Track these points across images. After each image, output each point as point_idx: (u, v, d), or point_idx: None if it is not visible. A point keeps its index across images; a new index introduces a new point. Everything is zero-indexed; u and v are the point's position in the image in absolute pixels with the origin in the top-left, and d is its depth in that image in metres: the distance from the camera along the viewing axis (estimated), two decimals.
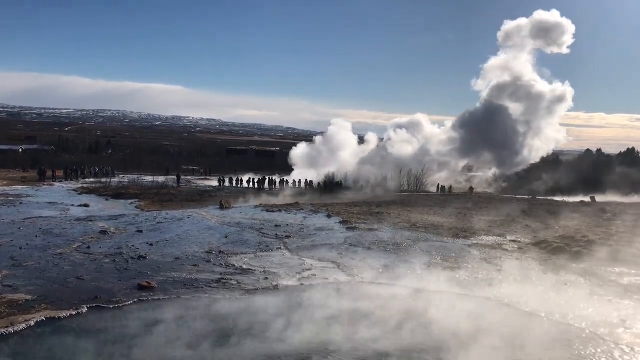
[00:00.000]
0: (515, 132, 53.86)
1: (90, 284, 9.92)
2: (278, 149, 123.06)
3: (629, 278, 11.28)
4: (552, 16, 54.79)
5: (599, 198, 37.50)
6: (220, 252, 13.30)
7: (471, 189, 48.81)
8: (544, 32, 54.60)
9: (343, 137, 56.81)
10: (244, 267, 11.74)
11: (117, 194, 29.79)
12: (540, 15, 55.40)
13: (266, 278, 10.75)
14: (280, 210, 22.43)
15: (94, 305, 8.61)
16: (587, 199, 35.43)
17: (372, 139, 57.32)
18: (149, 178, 42.11)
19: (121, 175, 46.39)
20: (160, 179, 42.34)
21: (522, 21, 56.12)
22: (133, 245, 13.74)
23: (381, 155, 52.73)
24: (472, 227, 18.66)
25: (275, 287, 10.12)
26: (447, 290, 10.04)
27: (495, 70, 55.23)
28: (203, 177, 54.20)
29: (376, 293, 9.71)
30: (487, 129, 53.03)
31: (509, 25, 55.34)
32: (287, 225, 18.02)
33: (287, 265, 12.06)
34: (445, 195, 42.85)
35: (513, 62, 54.28)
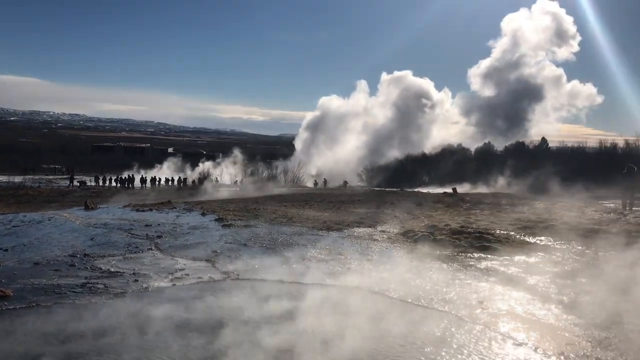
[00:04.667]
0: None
1: None
2: (149, 145, 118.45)
3: (485, 262, 12.22)
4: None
5: (460, 189, 40.46)
6: (85, 255, 12.48)
7: (345, 182, 50.41)
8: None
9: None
10: (112, 269, 11.11)
11: None
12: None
13: (136, 280, 10.25)
14: (151, 210, 21.57)
15: None
16: (449, 189, 38.04)
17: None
18: (2, 178, 38.59)
19: None
20: (17, 179, 38.99)
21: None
22: None
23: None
24: (346, 220, 19.20)
25: (146, 289, 9.69)
26: (321, 282, 10.24)
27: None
28: (66, 177, 50.86)
29: (250, 289, 9.64)
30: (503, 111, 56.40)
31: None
32: (159, 224, 17.36)
33: (159, 266, 11.61)
34: (321, 189, 43.86)
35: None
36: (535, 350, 6.91)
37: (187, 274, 10.83)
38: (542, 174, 43.14)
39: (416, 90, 64.05)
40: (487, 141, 71.30)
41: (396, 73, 65.38)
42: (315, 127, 61.82)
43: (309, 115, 65.85)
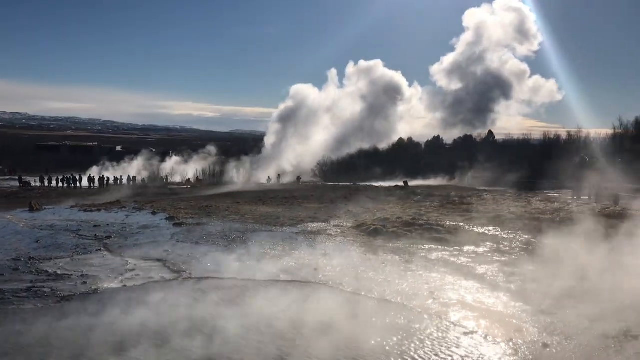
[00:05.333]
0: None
1: None
2: (96, 143, 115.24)
3: (436, 253, 12.46)
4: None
5: (411, 182, 41.12)
6: (30, 258, 12.04)
7: (299, 178, 50.39)
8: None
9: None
10: (59, 272, 10.77)
11: None
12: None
13: (84, 282, 9.97)
14: (99, 210, 21.03)
15: None
16: (401, 183, 38.56)
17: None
18: None
19: None
20: None
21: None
22: None
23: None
24: (299, 215, 19.22)
25: (95, 291, 9.43)
26: (275, 279, 10.21)
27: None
28: (8, 177, 48.96)
29: (202, 289, 9.53)
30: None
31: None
32: (108, 225, 16.94)
33: (109, 267, 11.32)
34: (274, 185, 43.70)
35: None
36: (485, 337, 7.10)
37: (138, 274, 10.61)
38: (489, 166, 44.25)
39: (387, 83, 64.46)
40: (436, 135, 72.55)
41: (365, 63, 65.44)
42: (287, 118, 61.24)
43: (281, 107, 65.17)
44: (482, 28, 61.62)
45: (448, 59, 63.52)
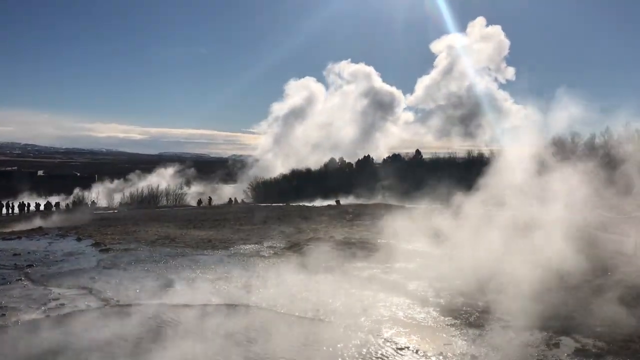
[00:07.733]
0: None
1: None
2: (15, 168, 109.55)
3: (368, 271, 12.64)
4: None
5: (344, 201, 41.63)
6: None
7: (230, 200, 49.93)
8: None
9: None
10: None
11: None
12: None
13: (2, 315, 9.40)
14: (19, 237, 19.96)
15: None
16: (333, 202, 38.97)
17: None
18: None
19: None
20: None
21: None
22: None
23: None
24: (232, 238, 19.00)
25: (15, 323, 8.92)
26: (206, 303, 10.03)
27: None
28: None
29: (130, 315, 9.21)
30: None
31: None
32: (29, 253, 16.09)
33: (30, 297, 10.73)
34: (205, 208, 43.03)
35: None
36: (417, 352, 7.27)
37: (63, 304, 10.13)
38: (418, 184, 45.51)
39: (383, 98, 66.33)
40: (366, 154, 74.03)
41: (358, 68, 66.55)
42: (285, 120, 61.46)
43: (275, 107, 64.89)
44: (457, 56, 64.03)
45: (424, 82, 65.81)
